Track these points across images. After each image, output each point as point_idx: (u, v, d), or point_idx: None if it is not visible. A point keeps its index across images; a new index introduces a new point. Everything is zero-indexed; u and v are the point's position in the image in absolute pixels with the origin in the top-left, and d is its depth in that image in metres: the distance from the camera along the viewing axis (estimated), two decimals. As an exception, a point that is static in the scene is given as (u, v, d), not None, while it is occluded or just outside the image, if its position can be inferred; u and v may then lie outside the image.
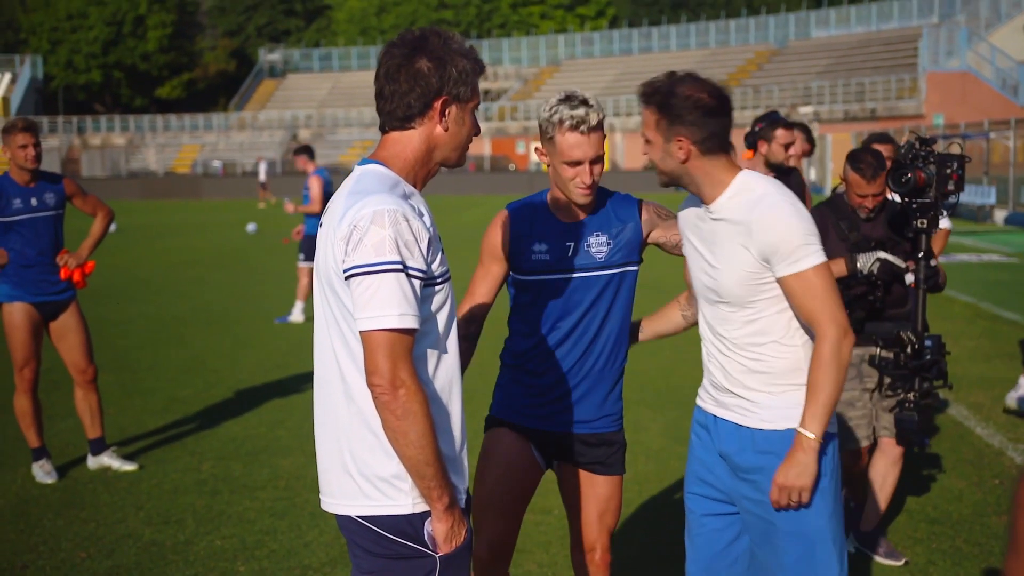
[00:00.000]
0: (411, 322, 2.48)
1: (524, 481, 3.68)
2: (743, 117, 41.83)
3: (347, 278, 2.51)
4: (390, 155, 2.67)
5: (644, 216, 3.59)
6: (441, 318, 2.62)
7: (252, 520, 5.65)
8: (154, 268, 18.73)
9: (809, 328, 3.06)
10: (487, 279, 3.65)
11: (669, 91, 3.02)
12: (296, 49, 79.88)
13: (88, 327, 6.64)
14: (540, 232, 3.56)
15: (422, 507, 2.57)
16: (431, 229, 2.59)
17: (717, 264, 3.10)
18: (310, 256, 12.49)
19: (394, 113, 2.65)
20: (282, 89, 74.38)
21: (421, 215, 2.57)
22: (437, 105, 2.63)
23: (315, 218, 12.52)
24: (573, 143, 3.41)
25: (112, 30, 75.33)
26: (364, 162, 2.69)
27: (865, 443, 5.07)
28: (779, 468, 3.04)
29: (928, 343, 4.31)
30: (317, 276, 2.67)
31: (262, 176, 42.98)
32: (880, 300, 4.80)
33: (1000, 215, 27.76)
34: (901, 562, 4.99)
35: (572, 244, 3.54)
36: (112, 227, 8.20)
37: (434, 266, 2.58)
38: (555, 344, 3.58)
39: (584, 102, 3.41)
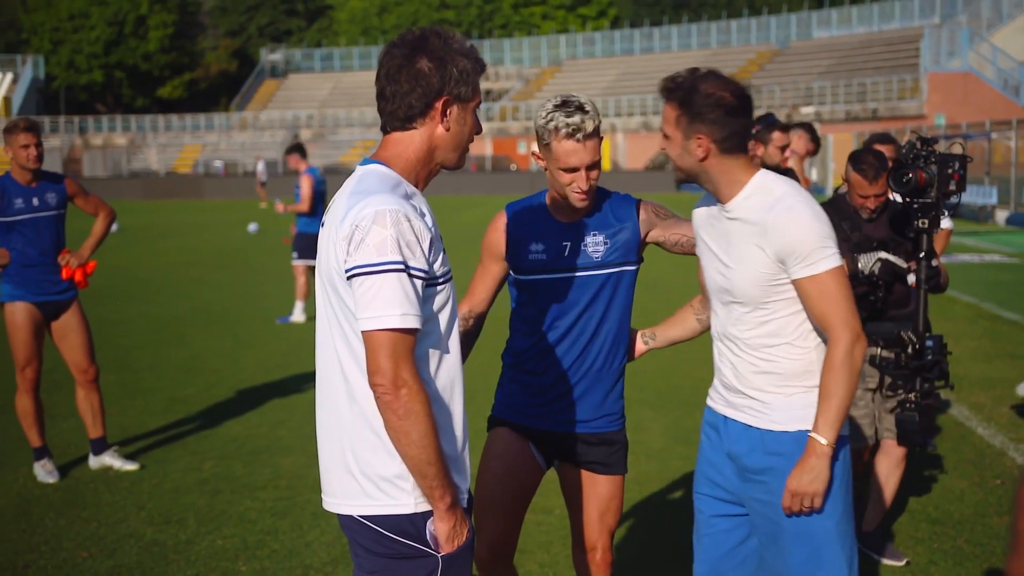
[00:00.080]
0: (413, 322, 2.49)
1: (524, 481, 3.68)
2: (744, 117, 41.76)
3: (349, 278, 2.52)
4: (392, 155, 2.67)
5: (642, 216, 3.59)
6: (443, 318, 2.63)
7: (253, 520, 5.65)
8: (155, 268, 18.74)
9: (822, 331, 3.05)
10: (486, 278, 3.68)
11: (691, 88, 3.00)
12: (298, 49, 79.89)
13: (90, 327, 6.64)
14: (538, 232, 3.58)
15: (424, 507, 2.57)
16: (433, 229, 2.59)
17: (731, 264, 3.09)
18: (304, 254, 12.52)
19: (395, 113, 2.65)
20: (283, 89, 74.40)
21: (423, 215, 2.58)
22: (438, 105, 2.63)
23: (307, 217, 12.54)
24: (569, 150, 3.41)
25: (114, 30, 75.36)
26: (366, 162, 2.69)
27: (867, 443, 5.06)
28: (791, 474, 3.02)
29: (929, 343, 4.31)
30: (319, 276, 2.67)
31: (262, 176, 42.84)
32: (882, 300, 4.80)
33: (1002, 215, 27.75)
34: (902, 562, 4.99)
35: (569, 244, 3.55)
36: (114, 227, 8.20)
37: (436, 266, 2.58)
38: (553, 343, 3.59)
39: (580, 108, 3.41)
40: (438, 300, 2.61)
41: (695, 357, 9.29)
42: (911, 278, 4.54)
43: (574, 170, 3.43)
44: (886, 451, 5.07)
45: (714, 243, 3.16)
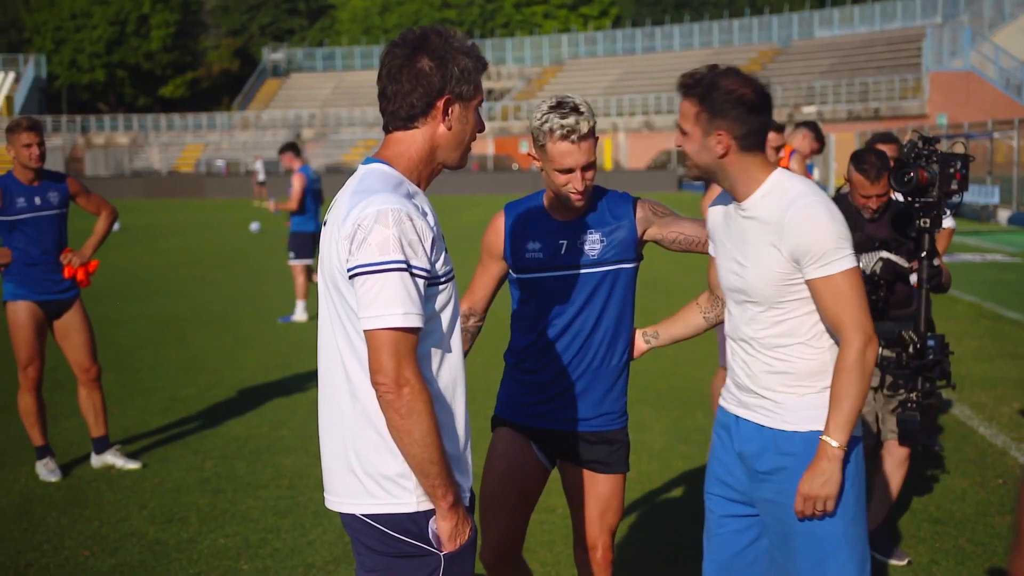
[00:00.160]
0: (415, 321, 2.49)
1: (526, 480, 3.69)
2: (746, 117, 41.76)
3: (351, 277, 2.52)
4: (394, 154, 2.67)
5: (639, 214, 3.61)
6: (445, 317, 2.63)
7: (255, 519, 5.66)
8: (156, 267, 18.75)
9: (834, 332, 3.03)
10: (485, 278, 3.72)
11: (712, 84, 2.98)
12: (299, 48, 79.90)
13: (92, 326, 6.65)
14: (535, 231, 3.61)
15: (427, 505, 2.58)
16: (435, 228, 2.59)
17: (746, 263, 3.07)
18: (300, 254, 12.54)
19: (397, 113, 2.65)
20: (285, 88, 74.41)
21: (425, 214, 2.58)
22: (440, 104, 2.64)
23: (300, 216, 12.56)
24: (564, 151, 3.43)
25: (116, 29, 75.41)
26: (368, 161, 2.70)
27: (868, 441, 5.06)
28: (803, 477, 3.00)
29: (931, 343, 4.31)
30: (321, 275, 2.67)
31: (260, 175, 42.54)
32: (883, 300, 4.80)
33: (1004, 215, 27.73)
34: (904, 562, 4.99)
35: (565, 242, 3.57)
36: (115, 226, 8.19)
37: (438, 265, 2.58)
38: (551, 341, 3.61)
39: (574, 109, 3.42)
40: (440, 299, 2.61)
41: (696, 357, 9.29)
42: (913, 278, 4.53)
43: (569, 171, 3.45)
44: (889, 451, 5.07)
45: (729, 242, 3.14)
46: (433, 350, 2.61)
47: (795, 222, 2.95)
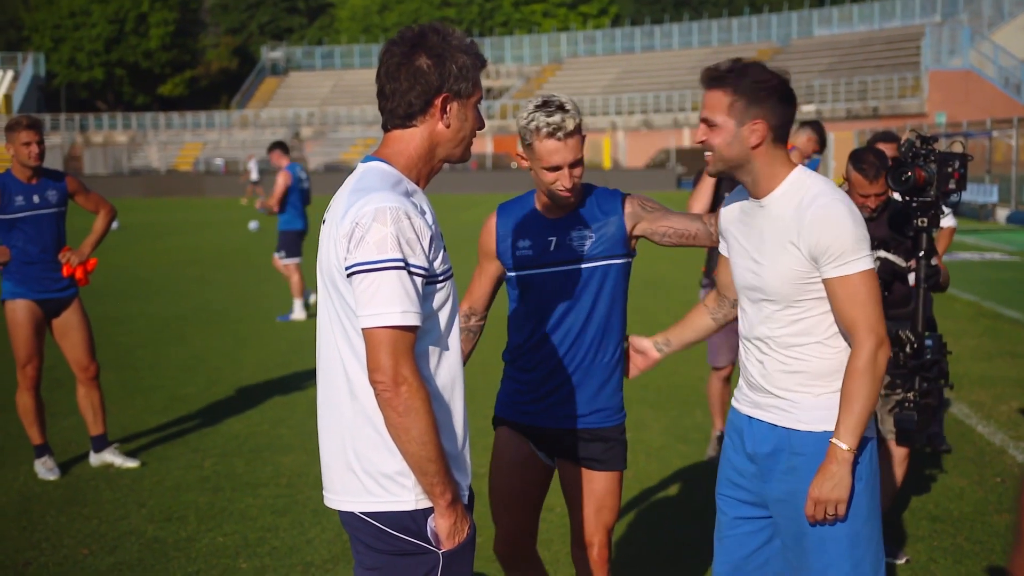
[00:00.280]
0: (413, 319, 2.49)
1: (527, 477, 3.72)
2: (745, 115, 41.75)
3: (349, 275, 2.52)
4: (393, 153, 2.68)
5: (628, 210, 3.63)
6: (443, 316, 2.63)
7: (254, 517, 5.66)
8: (156, 266, 18.74)
9: (846, 333, 3.01)
10: (483, 278, 3.76)
11: (744, 73, 2.96)
12: (298, 47, 79.89)
13: (90, 324, 6.65)
14: (525, 229, 3.65)
15: (425, 503, 2.58)
16: (433, 227, 2.60)
17: (764, 261, 3.05)
18: (292, 252, 12.56)
19: (395, 111, 2.66)
20: (284, 87, 74.39)
21: (423, 213, 2.58)
22: (438, 102, 2.64)
23: (287, 215, 12.58)
24: (551, 149, 3.46)
25: (114, 28, 75.36)
26: (367, 159, 2.70)
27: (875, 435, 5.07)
28: (813, 481, 2.98)
29: (928, 342, 4.31)
30: (320, 273, 2.68)
31: (254, 175, 42.07)
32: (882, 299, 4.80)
33: (1002, 214, 27.75)
34: (902, 560, 4.99)
35: (555, 239, 3.61)
36: (114, 225, 8.21)
37: (436, 264, 2.59)
38: (542, 339, 3.65)
39: (560, 107, 3.45)
40: (438, 298, 2.61)
41: (695, 356, 9.29)
42: (911, 277, 4.53)
43: (557, 168, 3.49)
44: (888, 451, 5.07)
45: (745, 240, 3.12)
46: (431, 348, 2.61)
47: (815, 220, 2.94)
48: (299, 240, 12.64)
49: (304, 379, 8.95)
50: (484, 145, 57.29)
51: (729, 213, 3.22)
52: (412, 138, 2.67)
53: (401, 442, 2.51)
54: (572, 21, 77.70)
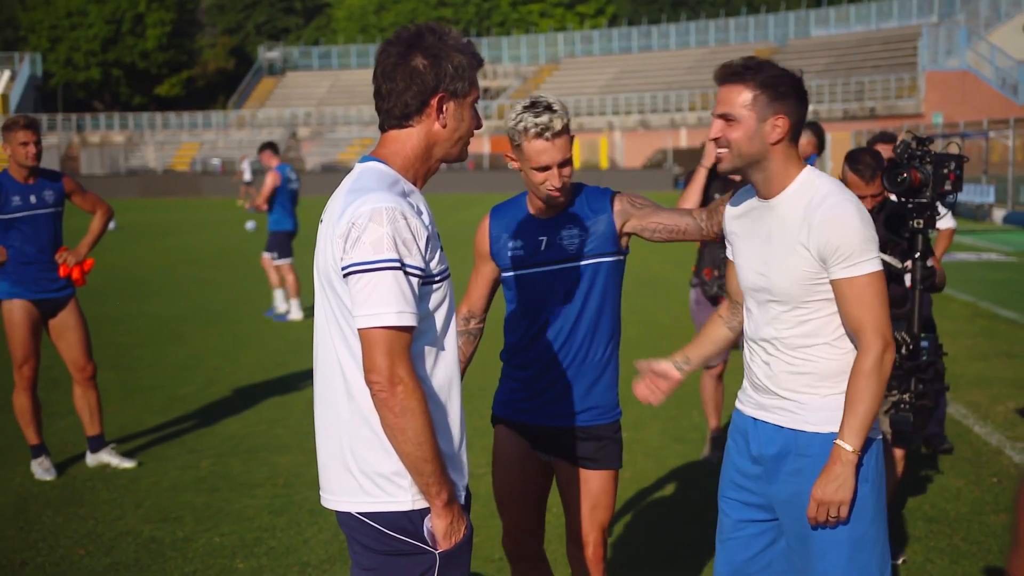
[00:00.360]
0: (409, 319, 2.50)
1: (526, 475, 3.75)
2: (742, 116, 41.75)
3: (345, 275, 2.52)
4: (390, 153, 2.68)
5: (617, 207, 3.64)
6: (439, 316, 2.63)
7: (251, 517, 5.66)
8: (153, 266, 18.73)
9: (852, 335, 3.00)
10: (479, 279, 3.80)
11: (763, 69, 2.96)
12: (295, 47, 79.81)
13: (87, 325, 6.64)
14: (517, 230, 3.69)
15: (422, 504, 2.58)
16: (430, 227, 2.60)
17: (771, 261, 3.03)
18: (283, 253, 12.57)
19: (392, 111, 2.66)
20: (281, 87, 74.33)
21: (420, 213, 2.59)
22: (434, 102, 2.64)
23: (276, 215, 12.59)
24: (540, 149, 3.49)
25: (111, 28, 75.27)
26: (364, 160, 2.70)
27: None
28: (817, 483, 2.97)
29: (924, 344, 4.31)
30: (317, 273, 2.68)
31: (247, 175, 41.81)
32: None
33: (999, 214, 27.78)
34: (899, 560, 5.00)
35: (545, 238, 3.64)
36: (111, 225, 8.20)
37: (432, 264, 2.59)
38: (535, 337, 3.67)
39: (548, 108, 3.48)
40: (435, 298, 2.62)
41: (692, 355, 9.29)
42: (907, 278, 4.54)
43: (546, 168, 3.51)
44: (884, 452, 5.08)
45: (752, 240, 3.10)
46: (427, 349, 2.61)
47: (825, 220, 2.93)
48: (288, 240, 12.67)
49: (301, 379, 8.95)
50: (481, 145, 57.26)
51: (734, 215, 3.20)
52: (409, 138, 2.68)
53: (397, 442, 2.51)
54: (569, 21, 77.68)
